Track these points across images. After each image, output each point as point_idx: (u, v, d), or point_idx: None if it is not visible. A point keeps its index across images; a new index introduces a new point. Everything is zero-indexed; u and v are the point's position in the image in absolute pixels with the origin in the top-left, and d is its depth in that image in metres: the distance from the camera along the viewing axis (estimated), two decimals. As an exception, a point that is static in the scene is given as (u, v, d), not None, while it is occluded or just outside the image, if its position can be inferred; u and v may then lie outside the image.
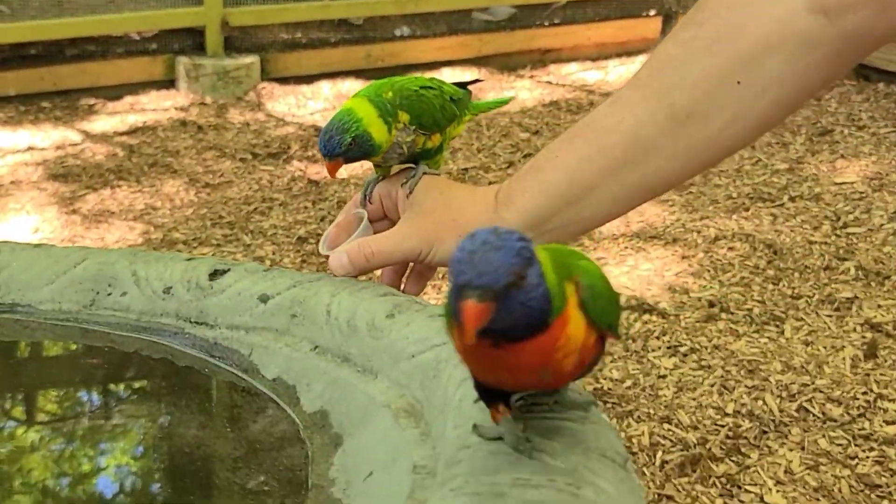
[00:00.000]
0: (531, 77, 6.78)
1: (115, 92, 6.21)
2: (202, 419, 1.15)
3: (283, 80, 6.45)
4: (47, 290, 1.32)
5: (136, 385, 1.29)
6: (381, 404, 1.02)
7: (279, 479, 0.99)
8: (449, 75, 6.70)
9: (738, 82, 1.20)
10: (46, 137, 5.63)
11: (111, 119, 5.94)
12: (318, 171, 5.24)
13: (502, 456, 0.77)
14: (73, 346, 1.34)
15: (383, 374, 1.08)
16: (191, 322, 1.27)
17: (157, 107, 6.13)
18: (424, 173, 1.48)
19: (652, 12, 6.90)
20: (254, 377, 1.17)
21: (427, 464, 0.87)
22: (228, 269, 1.29)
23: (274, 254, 4.38)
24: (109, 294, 1.31)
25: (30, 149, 5.47)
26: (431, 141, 1.49)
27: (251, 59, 6.38)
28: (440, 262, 1.42)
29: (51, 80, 6.13)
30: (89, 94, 6.21)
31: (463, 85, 1.65)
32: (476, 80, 1.82)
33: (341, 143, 1.41)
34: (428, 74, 6.95)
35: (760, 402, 3.34)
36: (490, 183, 4.99)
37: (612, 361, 3.57)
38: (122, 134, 5.72)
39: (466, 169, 5.19)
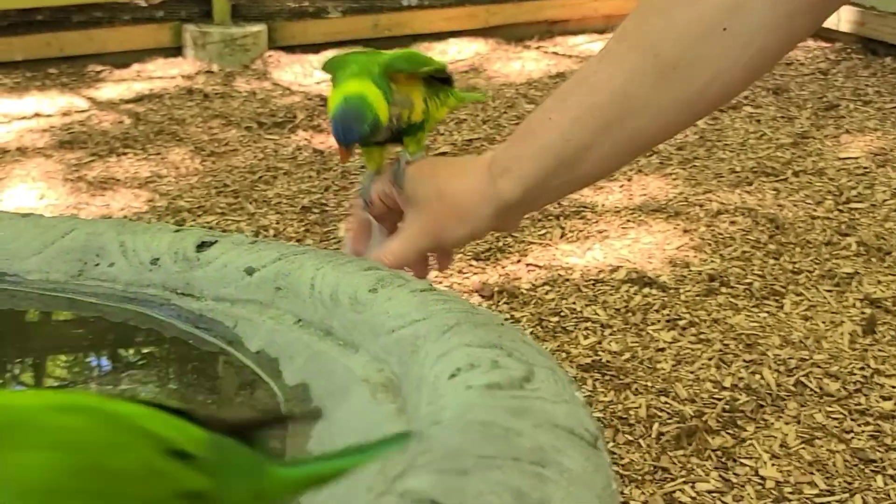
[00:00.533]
0: (538, 48, 6.75)
1: (121, 59, 6.21)
2: (185, 391, 1.17)
3: (290, 49, 6.44)
4: (35, 259, 1.34)
5: (123, 355, 1.31)
6: (360, 378, 1.04)
7: (257, 449, 1.00)
8: (456, 46, 6.68)
9: (724, 29, 1.18)
10: (53, 104, 5.64)
11: (118, 86, 5.94)
12: (323, 140, 5.24)
13: (471, 433, 0.78)
14: (61, 316, 1.36)
15: (363, 348, 1.10)
16: (177, 293, 1.28)
17: (163, 74, 6.13)
18: (407, 163, 1.47)
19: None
20: (237, 349, 1.19)
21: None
22: (215, 241, 1.30)
23: (278, 223, 4.39)
24: (97, 264, 1.33)
25: (36, 115, 5.48)
26: (415, 114, 1.49)
27: (258, 28, 6.37)
28: (453, 246, 1.44)
29: (57, 46, 6.13)
30: (96, 61, 6.21)
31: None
32: (447, 80, 1.78)
33: (360, 133, 1.41)
34: (435, 45, 6.94)
35: (758, 377, 3.35)
36: (494, 154, 5.00)
37: (611, 334, 3.59)
38: (128, 101, 5.72)
39: (471, 140, 5.19)
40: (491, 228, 1.43)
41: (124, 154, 5.01)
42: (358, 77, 1.49)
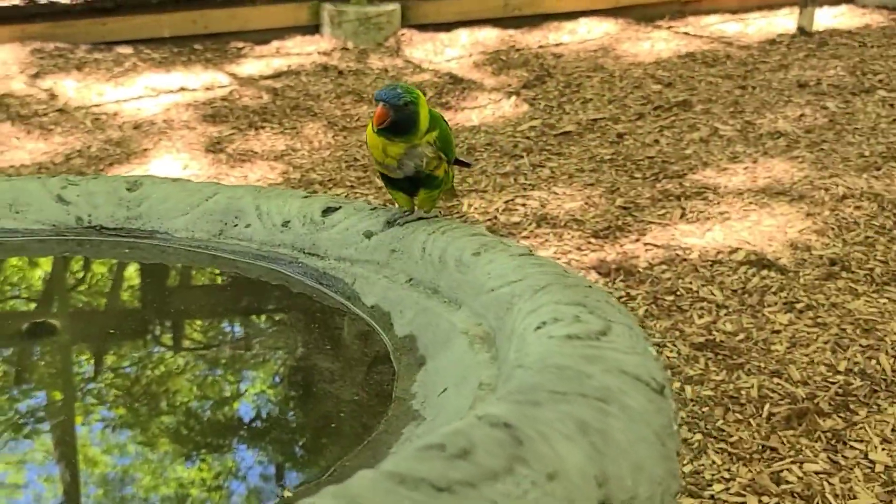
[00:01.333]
0: (669, 28, 6.73)
1: (262, 36, 6.47)
2: (309, 339, 1.31)
3: (423, 27, 6.59)
4: (182, 219, 1.50)
5: (256, 307, 1.46)
6: (460, 331, 1.16)
7: (368, 391, 1.14)
8: (586, 25, 6.72)
9: None
10: (197, 79, 5.93)
11: (258, 63, 6.20)
12: (450, 117, 5.38)
13: (547, 374, 0.89)
14: (204, 271, 1.52)
15: (466, 305, 1.22)
16: (304, 253, 1.43)
17: (301, 51, 6.37)
18: (419, 218, 1.59)
19: (798, -37, 6.74)
20: (355, 304, 1.32)
21: (491, 382, 1.00)
22: (339, 207, 1.45)
23: (404, 197, 4.56)
24: (236, 225, 1.48)
25: (181, 90, 5.78)
26: (440, 168, 1.64)
27: (392, 7, 6.54)
28: None
29: (203, 23, 6.43)
30: (238, 38, 6.49)
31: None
32: (467, 165, 2.05)
33: (400, 98, 1.58)
34: (565, 24, 6.96)
35: (874, 362, 3.34)
36: (619, 134, 5.05)
37: (726, 315, 3.62)
38: (267, 77, 5.98)
39: (596, 119, 5.25)
40: None
41: (262, 128, 5.25)
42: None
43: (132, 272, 1.51)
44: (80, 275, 1.54)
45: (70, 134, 5.17)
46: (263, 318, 1.40)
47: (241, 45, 6.45)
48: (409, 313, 1.26)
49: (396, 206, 1.67)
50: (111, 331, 1.41)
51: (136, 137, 5.14)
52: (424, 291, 1.29)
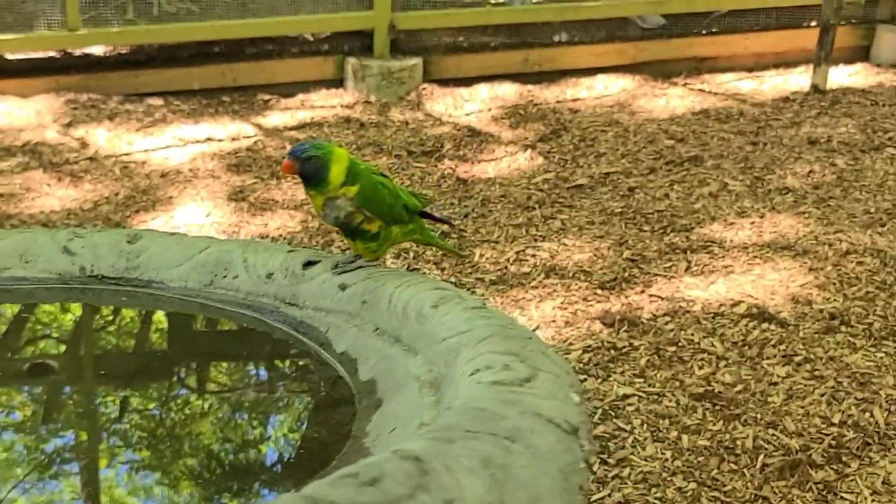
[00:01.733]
0: (685, 84, 6.87)
1: (288, 89, 6.68)
2: (283, 381, 1.44)
3: (444, 82, 6.77)
4: (177, 270, 1.64)
5: (238, 352, 1.59)
6: (413, 377, 1.28)
7: (329, 430, 1.26)
8: (604, 81, 6.87)
9: None
10: (224, 130, 6.12)
11: (283, 114, 6.40)
12: (467, 169, 5.53)
13: (467, 415, 1.01)
14: (193, 318, 1.65)
15: (421, 353, 1.34)
16: (285, 303, 1.56)
17: (325, 104, 6.56)
18: (360, 266, 1.73)
19: (813, 23, 6.86)
20: (327, 350, 1.45)
21: (430, 422, 1.12)
22: (319, 261, 1.58)
23: (416, 245, 4.68)
24: (225, 276, 1.62)
25: (208, 140, 5.98)
26: (370, 224, 1.80)
27: (414, 62, 6.74)
28: None
29: (231, 76, 6.65)
30: (265, 91, 6.70)
31: (427, 215, 2.04)
32: (447, 222, 2.27)
33: (304, 152, 1.79)
34: (583, 80, 7.10)
35: (867, 415, 3.41)
36: (630, 188, 5.16)
37: (725, 366, 3.70)
38: (291, 129, 6.16)
39: (608, 173, 5.37)
40: None
41: (284, 177, 5.42)
42: (344, 148, 1.89)
43: (128, 318, 1.65)
44: (80, 320, 1.68)
45: (99, 181, 5.36)
46: (243, 362, 1.53)
47: (267, 97, 6.65)
48: (373, 360, 1.38)
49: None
50: (102, 372, 1.55)
51: (163, 185, 5.32)
52: (388, 340, 1.41)
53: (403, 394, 1.26)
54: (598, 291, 4.21)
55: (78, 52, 6.68)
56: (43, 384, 1.49)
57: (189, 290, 1.62)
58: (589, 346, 3.82)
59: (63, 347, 1.62)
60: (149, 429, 1.38)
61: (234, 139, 6.00)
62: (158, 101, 6.44)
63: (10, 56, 6.47)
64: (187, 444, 1.32)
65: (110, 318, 1.64)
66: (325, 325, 1.48)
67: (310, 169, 1.81)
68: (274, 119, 6.33)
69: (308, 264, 1.55)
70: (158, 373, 1.55)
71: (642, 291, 4.21)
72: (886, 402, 3.45)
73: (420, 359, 1.33)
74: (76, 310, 1.67)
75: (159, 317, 1.64)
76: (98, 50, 6.73)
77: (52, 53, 6.63)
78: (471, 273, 4.43)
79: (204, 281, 1.62)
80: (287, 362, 1.49)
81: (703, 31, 7.18)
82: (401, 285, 1.47)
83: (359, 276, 1.51)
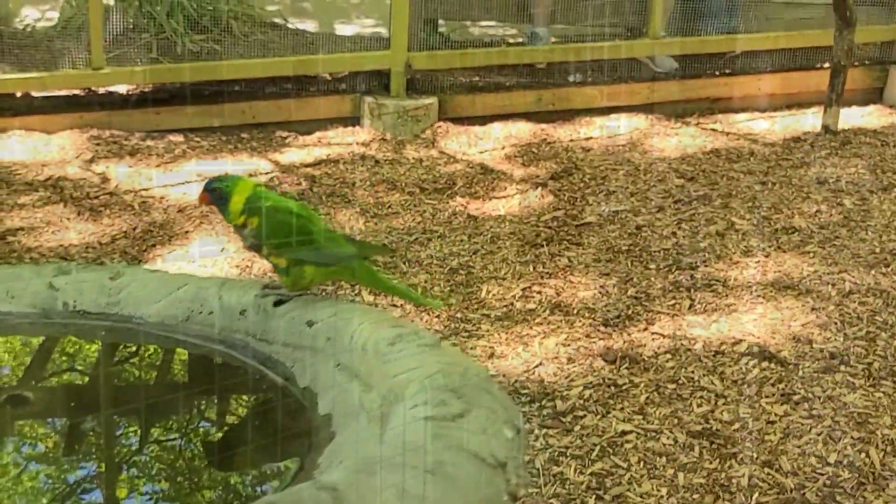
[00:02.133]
0: (697, 124, 6.92)
1: (306, 127, 6.79)
2: (245, 415, 1.51)
3: (458, 120, 6.87)
4: (155, 306, 1.72)
5: (208, 386, 1.67)
6: (365, 411, 1.35)
7: (285, 461, 1.33)
8: (616, 121, 6.94)
9: None
10: (241, 166, 6.23)
11: (300, 151, 6.50)
12: (479, 207, 5.60)
13: (394, 448, 1.07)
14: (169, 351, 1.73)
15: (376, 388, 1.41)
16: (256, 338, 1.63)
17: (341, 141, 6.66)
18: (284, 295, 1.81)
19: (826, 64, 6.90)
20: (292, 384, 1.52)
21: (370, 455, 1.18)
22: (290, 299, 1.65)
23: (426, 282, 4.75)
24: (201, 312, 1.69)
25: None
26: (276, 258, 1.90)
27: (430, 100, 6.84)
28: None
29: (251, 113, 6.77)
30: (283, 128, 6.81)
31: (371, 248, 2.22)
32: (389, 251, 2.40)
33: (211, 183, 2.00)
34: (596, 119, 7.18)
35: (864, 455, 3.43)
36: (638, 226, 5.21)
37: (724, 404, 3.73)
38: (307, 165, 6.27)
39: (617, 211, 5.42)
40: None
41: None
42: (257, 183, 2.04)
43: (105, 352, 1.73)
44: (58, 353, 1.76)
45: (118, 216, 5.47)
46: (208, 396, 1.60)
47: (285, 134, 6.76)
48: (332, 394, 1.45)
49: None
50: (72, 403, 1.63)
51: (179, 220, 5.43)
52: (348, 375, 1.48)
53: (353, 427, 1.32)
54: (601, 329, 4.26)
55: (102, 90, 6.83)
56: (16, 416, 1.57)
57: (166, 326, 1.70)
58: (590, 383, 3.86)
59: (40, 379, 1.70)
60: (106, 457, 1.45)
61: (251, 175, 6.10)
62: (179, 138, 6.56)
63: (35, 94, 6.63)
64: (135, 469, 1.39)
65: (87, 351, 1.72)
66: (292, 361, 1.55)
67: (214, 199, 2.00)
68: (291, 156, 6.44)
69: (279, 302, 1.63)
70: (128, 404, 1.62)
71: (645, 329, 4.25)
72: (883, 442, 3.47)
73: (374, 393, 1.39)
74: (56, 343, 1.75)
75: (134, 350, 1.71)
76: (122, 88, 6.88)
77: (76, 91, 6.78)
78: (477, 309, 4.49)
79: (181, 316, 1.69)
80: (252, 397, 1.55)
81: (716, 73, 7.23)
82: (364, 322, 1.54)
83: (325, 313, 1.58)
